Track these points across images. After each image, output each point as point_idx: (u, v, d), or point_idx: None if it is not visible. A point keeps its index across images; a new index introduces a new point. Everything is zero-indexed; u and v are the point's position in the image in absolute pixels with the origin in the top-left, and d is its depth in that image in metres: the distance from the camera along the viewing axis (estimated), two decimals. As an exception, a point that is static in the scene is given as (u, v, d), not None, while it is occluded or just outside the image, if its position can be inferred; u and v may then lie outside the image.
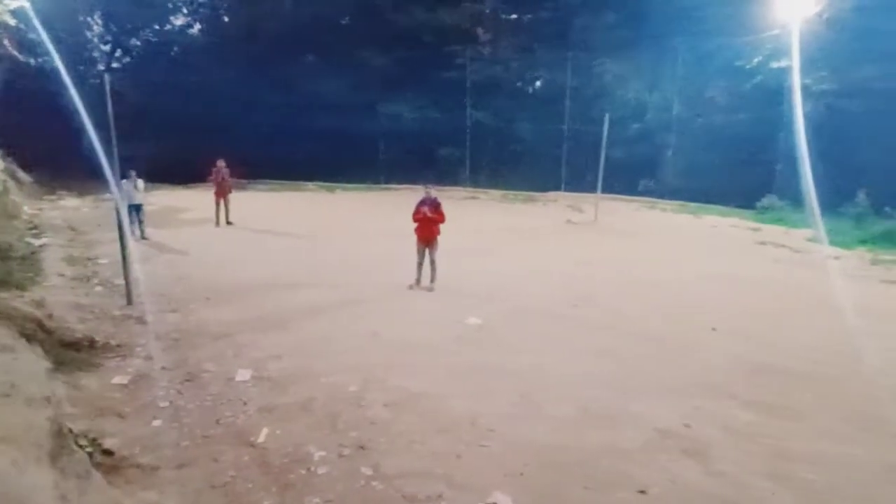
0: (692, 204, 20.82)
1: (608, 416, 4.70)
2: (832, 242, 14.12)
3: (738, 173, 21.09)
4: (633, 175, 23.58)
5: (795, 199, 17.00)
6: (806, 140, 16.00)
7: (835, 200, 16.48)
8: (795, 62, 16.60)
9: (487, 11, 25.47)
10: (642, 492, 3.70)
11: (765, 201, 19.43)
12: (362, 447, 4.05)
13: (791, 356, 6.28)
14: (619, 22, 22.73)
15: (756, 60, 20.17)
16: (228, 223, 13.40)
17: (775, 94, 18.96)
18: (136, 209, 11.22)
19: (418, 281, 8.37)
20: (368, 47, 23.33)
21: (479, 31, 25.41)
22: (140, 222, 11.37)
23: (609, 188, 18.19)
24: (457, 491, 3.63)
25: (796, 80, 16.53)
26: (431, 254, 8.27)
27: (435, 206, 8.15)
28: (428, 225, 8.16)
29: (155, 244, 10.89)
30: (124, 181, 10.75)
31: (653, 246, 13.13)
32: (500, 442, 4.23)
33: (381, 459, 3.92)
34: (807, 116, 17.65)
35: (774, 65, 19.42)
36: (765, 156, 20.18)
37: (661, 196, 22.21)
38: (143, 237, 11.23)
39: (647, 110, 23.48)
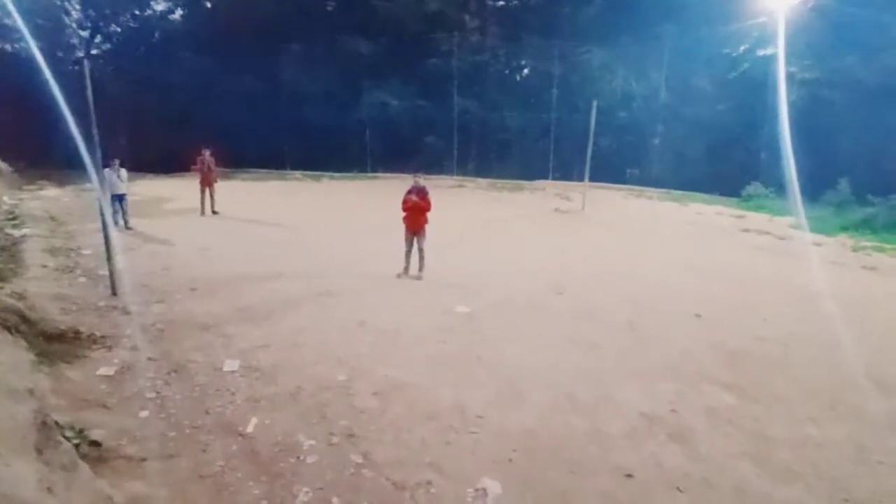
0: (678, 192, 21.03)
1: (594, 403, 4.77)
2: (815, 229, 14.37)
3: (723, 161, 21.33)
4: (620, 163, 23.73)
5: (780, 186, 17.26)
6: (790, 128, 16.21)
7: (818, 188, 16.77)
8: (781, 51, 16.76)
9: (473, 0, 25.28)
10: (629, 476, 3.78)
11: (749, 189, 19.70)
12: (351, 436, 4.07)
13: (770, 342, 6.41)
14: (605, 10, 22.72)
15: (742, 48, 20.34)
16: (214, 213, 13.25)
17: (761, 82, 19.16)
18: (118, 199, 11.05)
19: (406, 270, 8.37)
20: (354, 35, 23.06)
21: (466, 18, 25.21)
22: (123, 212, 11.21)
23: (596, 176, 18.27)
24: (446, 477, 3.67)
25: (781, 69, 16.68)
26: (419, 242, 8.27)
27: (422, 194, 8.13)
28: (416, 214, 8.14)
29: (139, 234, 10.74)
30: (107, 170, 10.65)
31: (638, 235, 13.25)
32: (488, 429, 4.28)
33: (370, 447, 3.94)
34: (791, 105, 17.87)
35: (760, 53, 19.61)
36: (750, 144, 20.44)
37: (648, 184, 22.39)
38: (126, 227, 11.07)
39: (634, 99, 23.56)
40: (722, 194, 20.34)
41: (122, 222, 11.08)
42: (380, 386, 4.85)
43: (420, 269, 8.34)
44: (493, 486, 3.60)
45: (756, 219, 16.24)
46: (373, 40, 23.18)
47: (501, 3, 26.49)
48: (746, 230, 14.31)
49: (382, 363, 5.31)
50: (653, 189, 21.76)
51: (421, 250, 8.29)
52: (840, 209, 16.17)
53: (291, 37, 24.26)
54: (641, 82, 23.39)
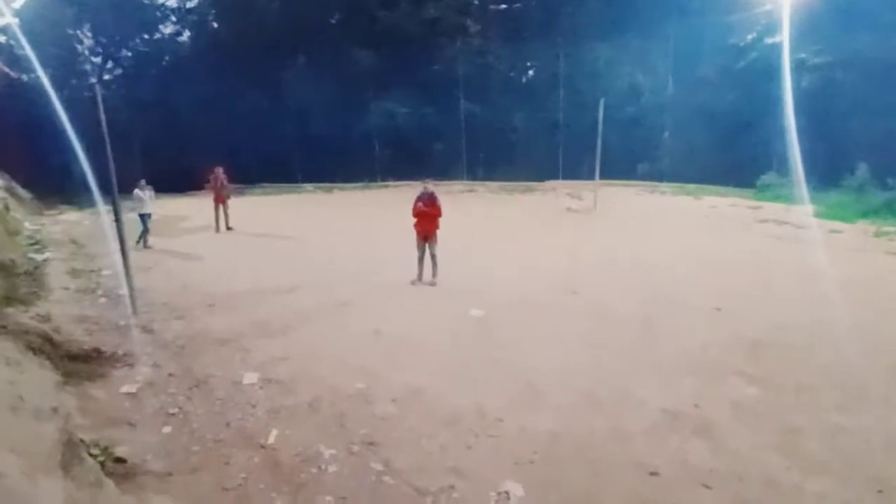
0: (691, 185, 20.78)
1: (614, 401, 4.72)
2: (834, 217, 14.09)
3: (736, 152, 21.01)
4: (630, 159, 23.54)
5: (795, 175, 16.93)
6: (803, 115, 15.94)
7: (836, 174, 16.43)
8: (785, 36, 16.49)
9: (476, 2, 25.37)
10: (653, 473, 3.73)
11: (764, 179, 19.38)
12: (371, 444, 4.07)
13: (792, 331, 6.29)
14: (607, 5, 22.63)
15: (750, 37, 20.07)
16: (228, 229, 13.42)
17: (771, 70, 18.84)
18: (145, 218, 11.39)
19: (420, 276, 8.38)
20: (358, 46, 23.27)
21: (468, 22, 25.28)
22: (146, 231, 11.44)
23: (607, 174, 18.15)
24: (468, 482, 3.65)
25: (786, 56, 16.44)
26: (431, 248, 8.27)
27: (432, 200, 8.14)
28: (426, 220, 8.16)
29: (157, 252, 10.90)
30: (137, 190, 11.24)
31: (652, 230, 13.12)
32: (508, 432, 4.25)
33: (390, 455, 3.94)
34: (804, 91, 17.58)
35: (769, 40, 19.31)
36: (763, 133, 20.07)
37: (660, 179, 22.17)
38: (145, 246, 11.26)
39: (641, 93, 23.39)
40: (736, 186, 20.02)
41: (142, 242, 11.29)
42: (398, 393, 4.85)
43: (433, 274, 8.34)
44: (516, 489, 3.57)
45: (773, 209, 15.97)
46: (376, 50, 23.35)
47: (503, 5, 26.53)
48: (764, 221, 14.07)
49: (399, 370, 5.32)
50: (665, 184, 21.54)
51: (433, 256, 8.30)
52: (860, 194, 15.78)
53: (296, 51, 24.60)
54: (648, 76, 23.22)
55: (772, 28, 19.14)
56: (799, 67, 18.16)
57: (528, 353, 5.73)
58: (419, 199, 8.20)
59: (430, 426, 4.33)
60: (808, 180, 15.96)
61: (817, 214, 14.54)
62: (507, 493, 3.54)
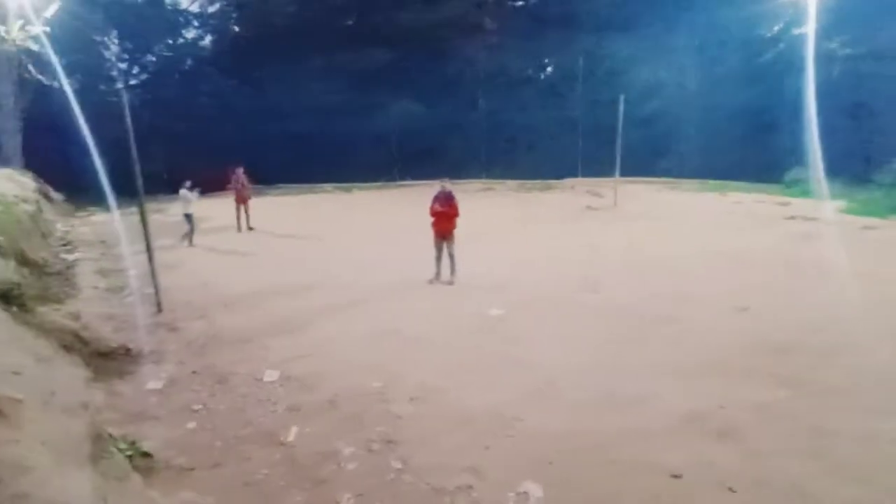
0: (715, 181, 20.35)
1: (635, 401, 4.65)
2: (866, 212, 13.67)
3: (762, 147, 20.53)
4: (651, 156, 23.21)
5: (825, 170, 16.45)
6: (833, 107, 15.48)
7: (867, 169, 15.92)
8: (811, 27, 16.00)
9: (491, 1, 25.26)
10: (676, 476, 3.66)
11: (792, 174, 18.87)
12: (390, 442, 4.10)
13: (822, 331, 6.12)
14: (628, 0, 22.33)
15: (776, 28, 19.57)
16: (250, 229, 13.62)
17: (798, 62, 18.33)
18: (191, 218, 11.87)
19: (438, 275, 8.39)
20: (374, 46, 23.39)
21: (486, 20, 25.21)
22: (192, 230, 11.99)
23: (628, 170, 17.90)
24: (485, 482, 3.64)
25: (812, 47, 15.93)
26: (449, 248, 8.28)
27: (449, 199, 8.14)
28: (443, 219, 8.16)
29: (181, 252, 11.12)
30: (182, 191, 11.79)
31: (674, 227, 12.90)
32: (526, 431, 4.23)
33: (409, 453, 3.95)
34: (833, 83, 17.06)
35: (796, 31, 18.78)
36: (790, 127, 19.54)
37: (682, 175, 21.79)
38: (190, 244, 11.76)
39: (663, 88, 23.04)
40: (762, 181, 19.54)
41: (186, 241, 11.82)
42: (416, 391, 4.87)
43: (451, 273, 8.34)
44: (535, 490, 3.55)
45: (801, 205, 15.52)
46: (393, 49, 23.48)
47: (520, 2, 26.38)
48: (791, 217, 13.69)
49: (417, 369, 5.33)
50: (688, 180, 21.16)
51: (451, 256, 8.30)
52: (893, 190, 15.28)
53: (314, 52, 24.84)
54: (670, 71, 22.86)
55: (799, 18, 18.60)
56: (828, 58, 17.65)
57: (547, 353, 5.69)
58: (436, 199, 8.21)
59: (447, 425, 4.33)
60: (838, 175, 15.50)
61: (848, 210, 14.11)
62: (525, 493, 3.52)
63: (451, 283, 8.28)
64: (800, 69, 17.93)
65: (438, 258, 8.35)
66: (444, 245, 8.28)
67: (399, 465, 3.81)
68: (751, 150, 20.81)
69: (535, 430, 4.23)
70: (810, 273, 8.62)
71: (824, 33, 17.17)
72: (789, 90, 18.67)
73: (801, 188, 17.82)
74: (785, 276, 8.43)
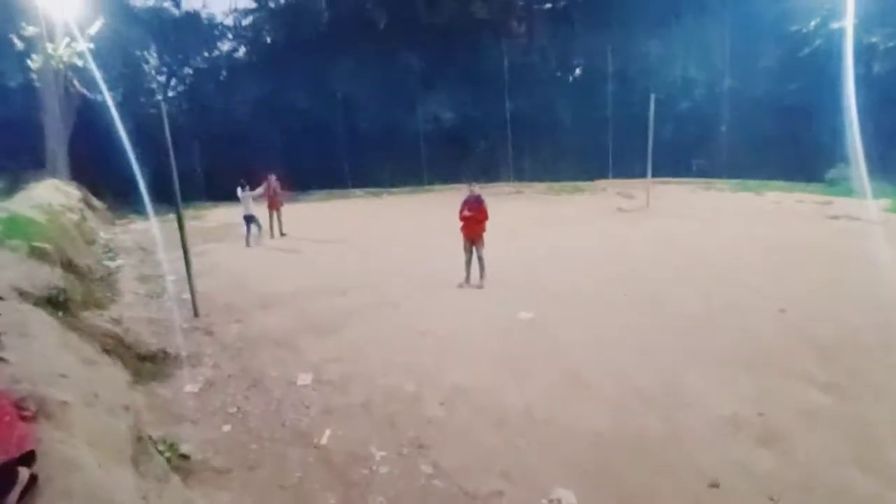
0: (752, 181, 19.71)
1: (670, 404, 4.54)
2: (914, 210, 13.02)
3: (801, 144, 19.78)
4: (685, 155, 22.67)
5: (869, 167, 15.75)
6: (876, 103, 14.83)
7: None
8: (850, 21, 15.35)
9: (521, 3, 25.14)
10: (714, 485, 3.55)
11: (833, 172, 18.11)
12: (421, 445, 4.10)
13: (867, 332, 5.85)
14: (659, -3, 21.88)
15: (813, 23, 18.82)
16: (282, 234, 13.89)
17: (838, 56, 17.62)
18: (250, 219, 12.46)
19: (467, 279, 8.37)
20: (405, 49, 23.55)
21: (514, 23, 25.12)
22: (259, 228, 12.68)
23: (660, 171, 17.53)
24: (517, 486, 3.61)
25: (849, 41, 15.28)
26: (478, 251, 8.26)
27: (478, 203, 8.13)
28: (472, 223, 8.15)
29: (216, 256, 11.40)
30: (243, 193, 12.45)
31: (710, 227, 12.55)
32: (558, 434, 4.17)
33: (440, 457, 3.95)
34: (875, 77, 16.35)
35: (834, 25, 18.05)
36: (830, 124, 18.77)
37: (717, 175, 21.19)
38: (258, 243, 12.50)
39: (695, 86, 22.47)
40: (803, 180, 18.82)
41: (253, 241, 12.50)
42: (446, 394, 4.86)
43: (481, 276, 8.32)
44: (568, 497, 3.49)
45: (844, 203, 14.89)
46: (424, 52, 23.58)
47: (548, 4, 26.18)
48: (834, 217, 13.16)
49: (448, 372, 5.33)
50: (723, 180, 20.55)
51: (481, 259, 8.28)
52: (942, 187, 14.52)
53: (345, 57, 25.22)
54: (703, 68, 22.26)
55: (837, 12, 17.88)
56: (869, 52, 16.91)
57: (579, 355, 5.60)
58: (465, 203, 8.21)
59: (478, 428, 4.31)
60: (883, 173, 14.80)
61: (893, 209, 13.46)
62: (558, 500, 3.47)
63: (480, 286, 8.25)
64: (839, 64, 17.21)
65: (468, 262, 8.34)
66: (474, 248, 8.27)
67: (430, 470, 3.81)
68: (789, 148, 20.06)
69: (568, 434, 4.17)
70: (855, 273, 8.25)
71: (864, 27, 16.46)
72: (828, 86, 17.93)
73: (844, 187, 17.09)
74: (828, 276, 8.09)
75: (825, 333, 5.92)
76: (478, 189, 8.39)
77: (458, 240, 8.42)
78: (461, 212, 8.22)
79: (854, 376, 4.93)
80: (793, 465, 3.71)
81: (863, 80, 16.09)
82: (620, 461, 3.84)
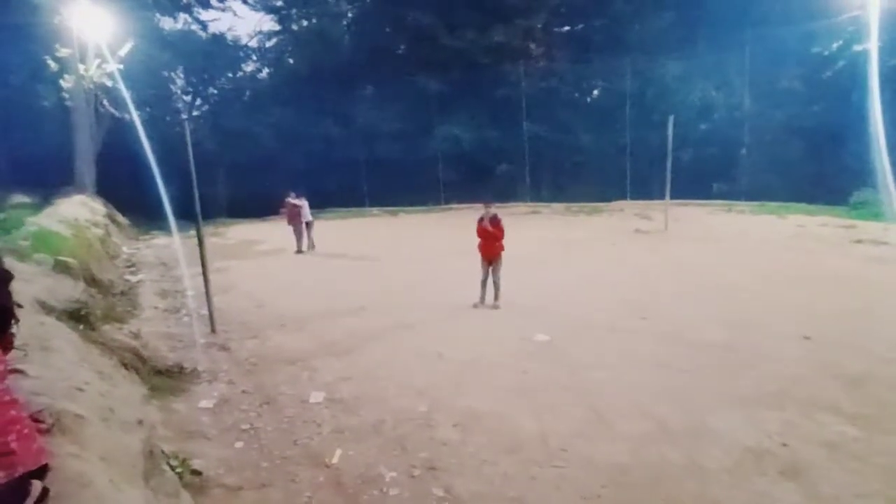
0: (773, 204, 19.38)
1: (689, 434, 4.40)
2: (945, 236, 12.62)
3: (825, 167, 19.45)
4: (704, 178, 22.42)
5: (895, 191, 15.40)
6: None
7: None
8: (874, 43, 15.18)
9: (539, 27, 25.45)
10: (735, 517, 3.42)
11: (859, 195, 17.69)
12: (433, 468, 4.04)
13: (894, 362, 5.64)
14: (677, 20, 21.98)
15: (835, 45, 18.71)
16: (299, 252, 14.04)
17: (861, 79, 17.40)
18: (306, 226, 13.42)
19: (482, 299, 8.33)
20: (424, 73, 23.96)
21: (531, 46, 25.42)
22: (309, 237, 13.64)
23: (679, 193, 17.33)
24: (531, 514, 3.52)
25: (874, 63, 15.09)
26: (495, 272, 8.22)
27: (494, 221, 8.13)
28: (489, 242, 8.14)
29: (234, 274, 11.55)
30: (296, 201, 13.45)
31: (729, 251, 12.33)
32: (573, 462, 4.07)
33: (452, 481, 3.88)
34: (900, 99, 16.08)
35: (857, 48, 17.89)
36: (855, 147, 18.45)
37: (738, 198, 20.88)
38: (311, 248, 13.62)
39: (714, 109, 22.36)
40: (826, 203, 18.43)
41: (305, 248, 13.44)
42: (460, 417, 4.79)
43: (496, 297, 8.27)
44: (583, 525, 3.39)
45: (870, 228, 14.51)
46: (441, 76, 23.95)
47: (567, 27, 26.47)
48: (859, 241, 12.82)
49: (462, 394, 5.27)
50: (743, 203, 20.25)
51: (496, 280, 8.23)
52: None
53: (365, 80, 25.78)
54: (722, 91, 22.17)
55: (860, 34, 17.72)
56: (893, 74, 16.67)
57: (595, 380, 5.50)
58: (482, 221, 8.21)
59: (492, 453, 4.23)
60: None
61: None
62: (573, 529, 3.37)
63: (495, 307, 8.20)
64: (863, 87, 16.98)
65: (484, 282, 8.31)
66: (491, 269, 8.24)
67: (441, 493, 3.74)
68: (812, 170, 19.74)
69: (584, 462, 4.07)
70: (881, 300, 8.00)
71: (889, 49, 16.26)
72: (852, 109, 17.67)
73: (869, 210, 16.68)
74: (854, 304, 7.85)
75: (851, 362, 5.72)
76: (494, 208, 8.38)
77: (473, 259, 8.41)
78: (477, 231, 8.23)
79: (882, 407, 4.75)
80: (817, 499, 3.56)
81: (889, 104, 15.85)
82: (637, 492, 3.72)
